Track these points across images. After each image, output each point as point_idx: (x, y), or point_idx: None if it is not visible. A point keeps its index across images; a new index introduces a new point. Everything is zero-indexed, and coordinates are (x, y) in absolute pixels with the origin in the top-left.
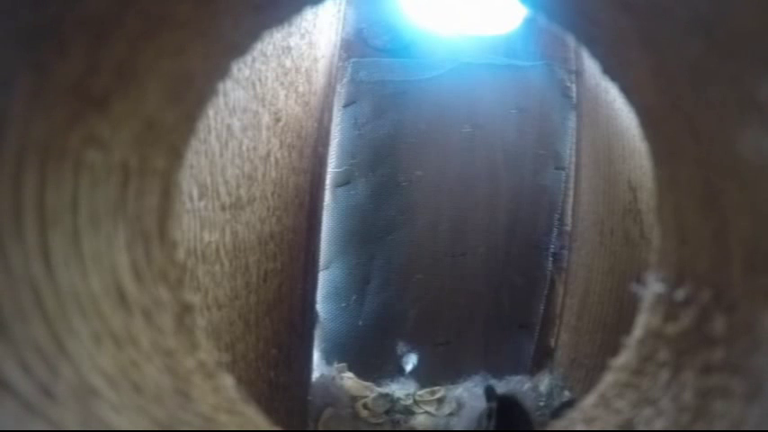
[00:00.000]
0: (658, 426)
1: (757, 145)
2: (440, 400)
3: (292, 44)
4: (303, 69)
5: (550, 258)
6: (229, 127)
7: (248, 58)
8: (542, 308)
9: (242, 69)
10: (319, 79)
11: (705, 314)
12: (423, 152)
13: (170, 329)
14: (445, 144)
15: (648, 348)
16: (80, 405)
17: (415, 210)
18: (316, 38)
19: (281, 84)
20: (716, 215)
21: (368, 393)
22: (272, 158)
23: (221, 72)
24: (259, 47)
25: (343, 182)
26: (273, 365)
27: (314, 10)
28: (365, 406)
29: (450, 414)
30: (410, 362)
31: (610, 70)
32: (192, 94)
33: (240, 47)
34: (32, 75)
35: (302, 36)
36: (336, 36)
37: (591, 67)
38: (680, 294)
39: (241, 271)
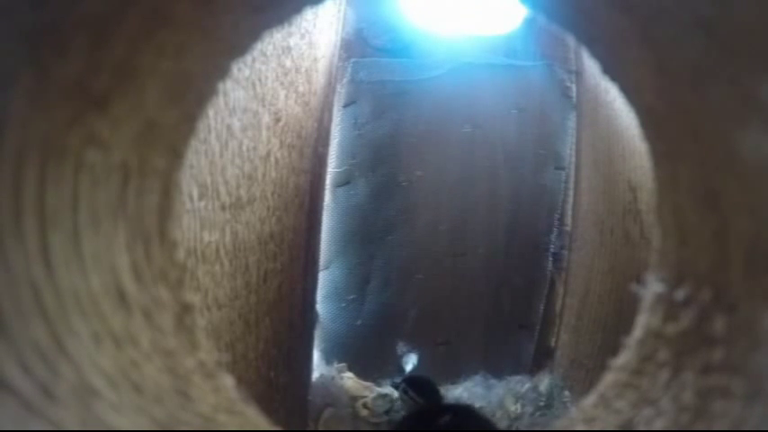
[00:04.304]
0: (658, 426)
1: (757, 145)
2: None
3: (292, 44)
4: (303, 69)
5: (550, 258)
6: (229, 127)
7: (248, 58)
8: (542, 308)
9: (242, 69)
10: (319, 79)
11: (705, 314)
12: (423, 152)
13: (170, 329)
14: (445, 144)
15: (648, 348)
16: (80, 405)
17: (415, 210)
18: (316, 38)
19: (281, 84)
20: (716, 215)
21: (368, 393)
22: (272, 158)
23: (221, 72)
24: (259, 47)
25: (343, 182)
26: (273, 365)
27: (314, 10)
28: (365, 406)
29: None
30: (410, 362)
31: (610, 70)
32: (192, 94)
33: (240, 47)
34: (32, 75)
35: (302, 36)
36: (336, 36)
37: (591, 67)
38: (680, 294)
39: (241, 271)
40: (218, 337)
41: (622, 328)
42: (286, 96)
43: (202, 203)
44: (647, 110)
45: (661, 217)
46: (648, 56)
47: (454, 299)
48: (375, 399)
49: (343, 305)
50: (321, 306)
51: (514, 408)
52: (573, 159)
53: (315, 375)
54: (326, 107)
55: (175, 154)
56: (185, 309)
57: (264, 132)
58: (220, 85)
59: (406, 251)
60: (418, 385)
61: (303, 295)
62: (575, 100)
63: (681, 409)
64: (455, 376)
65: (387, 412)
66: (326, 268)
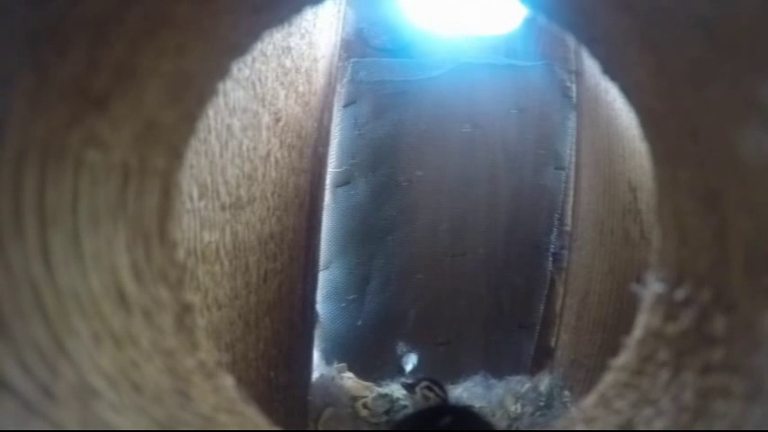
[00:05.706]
0: (658, 426)
1: (757, 145)
2: None
3: (292, 44)
4: (303, 69)
5: (550, 258)
6: (229, 127)
7: (248, 58)
8: (542, 308)
9: (242, 69)
10: (319, 79)
11: (705, 314)
12: (423, 152)
13: (170, 329)
14: (445, 144)
15: (648, 348)
16: (80, 405)
17: (415, 210)
18: (316, 38)
19: (281, 84)
20: (716, 215)
21: (368, 393)
22: (272, 158)
23: (221, 72)
24: (259, 47)
25: (343, 182)
26: (273, 365)
27: (314, 10)
28: (365, 406)
29: None
30: (410, 362)
31: (610, 70)
32: (192, 94)
33: (240, 47)
34: (32, 75)
35: (302, 36)
36: (336, 36)
37: (591, 67)
38: (680, 294)
39: (241, 271)
40: (218, 337)
41: (622, 328)
42: (286, 96)
43: (202, 203)
44: (647, 110)
45: (661, 217)
46: (648, 56)
47: (454, 299)
48: (375, 399)
49: (343, 305)
50: (321, 306)
51: (514, 408)
52: (573, 159)
53: (315, 375)
54: (326, 107)
55: (175, 154)
56: (185, 309)
57: (264, 132)
58: (220, 85)
59: (406, 251)
60: (438, 384)
61: (303, 295)
62: (575, 100)
63: (681, 409)
64: (455, 376)
65: (387, 412)
66: (326, 268)
